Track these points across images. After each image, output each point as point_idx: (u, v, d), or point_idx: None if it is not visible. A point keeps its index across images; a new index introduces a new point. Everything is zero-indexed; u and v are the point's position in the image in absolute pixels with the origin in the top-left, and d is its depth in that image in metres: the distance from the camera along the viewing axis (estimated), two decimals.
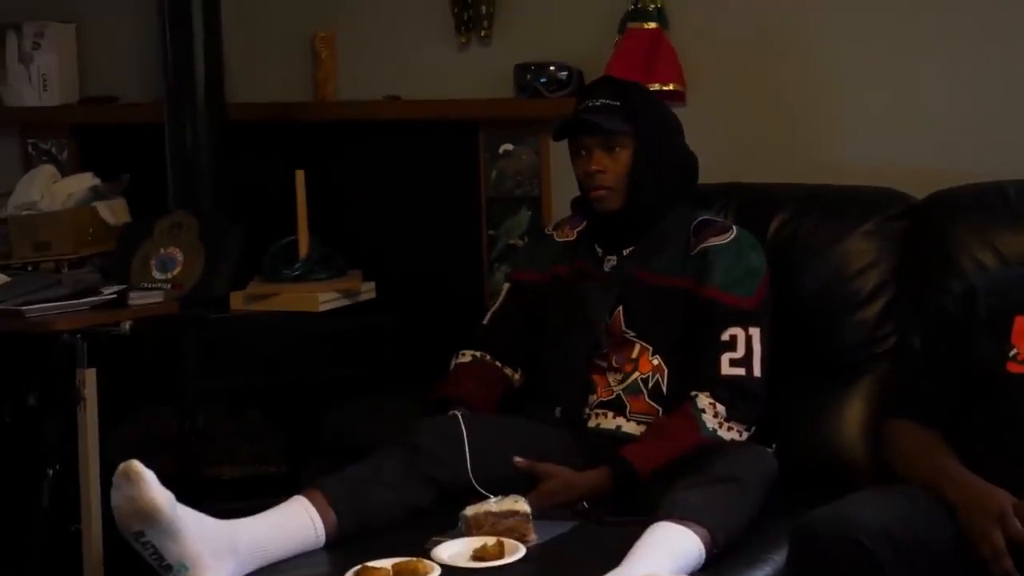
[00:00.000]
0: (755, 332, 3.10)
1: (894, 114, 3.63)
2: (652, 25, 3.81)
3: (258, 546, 2.74)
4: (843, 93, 3.69)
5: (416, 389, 3.45)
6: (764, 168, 3.65)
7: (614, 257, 3.25)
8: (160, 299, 3.88)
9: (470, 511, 2.80)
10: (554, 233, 3.42)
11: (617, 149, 3.18)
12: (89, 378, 3.63)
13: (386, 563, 2.62)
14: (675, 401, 3.09)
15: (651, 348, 3.16)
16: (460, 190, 4.13)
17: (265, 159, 4.27)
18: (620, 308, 3.18)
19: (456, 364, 3.36)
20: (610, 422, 3.15)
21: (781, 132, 3.76)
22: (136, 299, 3.83)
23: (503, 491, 2.86)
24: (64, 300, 3.73)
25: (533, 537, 2.78)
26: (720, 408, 3.03)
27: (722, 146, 3.63)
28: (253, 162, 4.23)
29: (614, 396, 3.16)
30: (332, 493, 2.85)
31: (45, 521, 3.76)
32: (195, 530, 2.63)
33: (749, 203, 3.43)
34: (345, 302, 3.94)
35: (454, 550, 2.70)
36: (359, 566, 2.61)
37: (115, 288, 3.84)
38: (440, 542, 2.74)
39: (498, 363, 3.34)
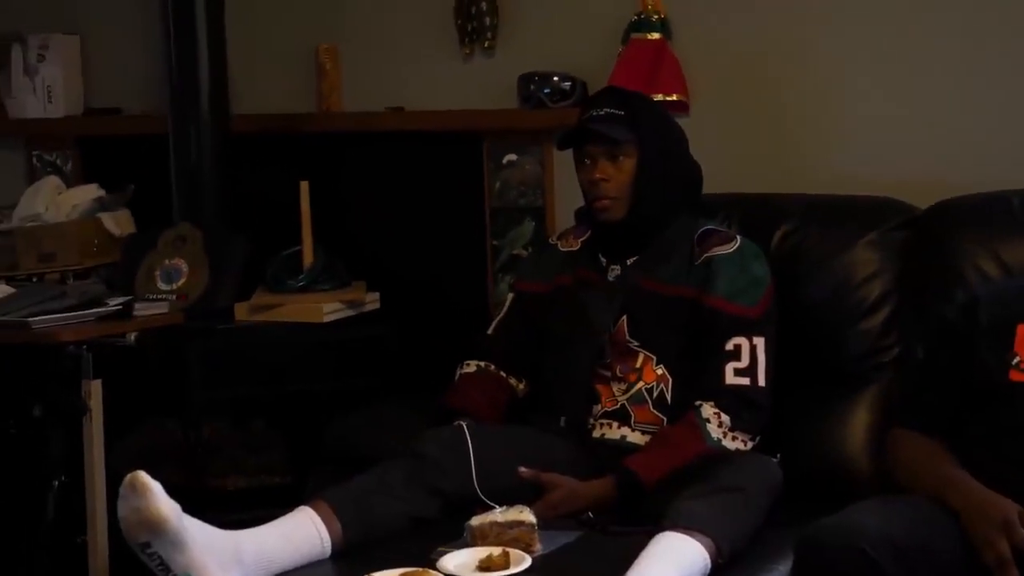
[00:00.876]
0: (759, 342, 3.11)
1: (896, 124, 3.64)
2: (656, 36, 3.81)
3: (264, 557, 2.74)
4: (845, 103, 3.69)
5: (420, 399, 3.45)
6: (767, 178, 3.66)
7: (618, 267, 3.25)
8: (165, 310, 3.89)
9: (475, 521, 2.80)
10: (558, 243, 3.42)
11: (621, 158, 3.18)
12: (94, 389, 3.64)
13: (392, 573, 2.62)
14: (680, 411, 3.10)
15: (655, 358, 3.16)
16: (464, 201, 4.13)
17: (269, 170, 4.28)
18: (624, 317, 3.19)
19: (461, 374, 3.36)
20: (615, 432, 3.15)
21: (784, 142, 3.76)
22: (141, 310, 3.85)
23: (508, 501, 2.85)
24: (69, 311, 3.73)
25: (538, 547, 2.78)
26: (724, 418, 3.03)
27: (725, 156, 3.63)
28: (257, 173, 4.24)
29: (618, 406, 3.16)
30: (337, 503, 2.85)
31: (51, 532, 3.77)
32: (201, 541, 2.63)
33: (752, 213, 3.43)
34: (349, 312, 3.95)
35: (460, 560, 2.70)
36: None
37: (120, 299, 3.84)
38: (446, 552, 2.74)
39: (503, 373, 3.35)
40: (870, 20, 3.65)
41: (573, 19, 3.99)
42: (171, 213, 4.12)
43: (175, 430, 3.89)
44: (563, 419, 3.19)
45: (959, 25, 3.57)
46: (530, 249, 3.96)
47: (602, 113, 3.21)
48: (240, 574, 2.67)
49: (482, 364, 3.36)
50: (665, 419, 3.12)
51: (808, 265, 3.32)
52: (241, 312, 3.91)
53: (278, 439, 4.04)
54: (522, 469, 3.03)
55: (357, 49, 4.30)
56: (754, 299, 3.14)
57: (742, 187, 3.55)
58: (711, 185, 3.36)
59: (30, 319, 3.66)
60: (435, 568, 2.66)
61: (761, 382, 3.08)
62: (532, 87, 3.97)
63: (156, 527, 2.58)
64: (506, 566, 2.66)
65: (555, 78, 3.95)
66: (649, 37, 3.82)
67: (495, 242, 4.11)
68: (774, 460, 3.00)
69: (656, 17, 3.82)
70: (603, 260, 3.28)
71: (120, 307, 3.81)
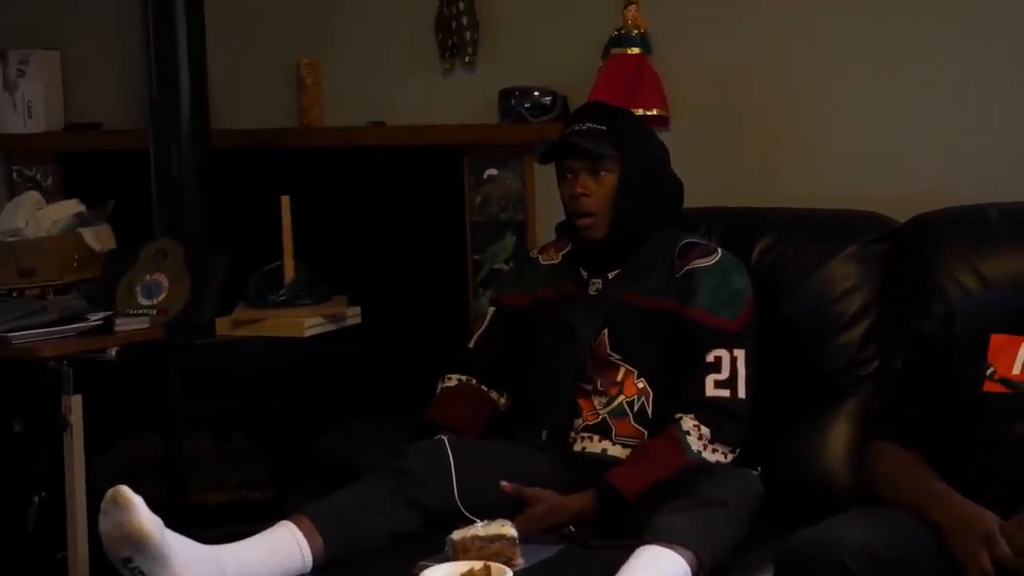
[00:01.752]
0: (740, 354, 3.11)
1: (876, 138, 3.65)
2: (635, 51, 3.82)
3: (245, 572, 2.73)
4: (825, 118, 3.70)
5: (402, 413, 3.45)
6: (747, 193, 3.66)
7: (599, 280, 3.26)
8: (146, 325, 3.88)
9: (457, 535, 2.80)
10: (539, 256, 3.43)
11: (603, 173, 3.19)
12: (75, 405, 3.63)
13: None
14: (661, 424, 3.10)
15: (636, 371, 3.17)
16: (445, 215, 4.14)
17: (250, 185, 4.28)
18: (605, 331, 3.19)
19: (442, 388, 3.36)
20: (596, 445, 3.15)
21: (764, 157, 3.77)
22: (122, 325, 3.84)
23: (490, 515, 2.85)
24: (50, 327, 3.73)
25: (520, 561, 2.78)
26: (705, 430, 3.04)
27: (705, 171, 3.64)
28: (238, 188, 4.24)
29: (599, 419, 3.17)
30: (318, 518, 2.85)
31: (31, 548, 3.76)
32: (183, 556, 2.63)
33: (733, 227, 3.44)
34: (331, 327, 3.95)
35: (441, 574, 2.70)
36: None
37: (101, 314, 3.84)
38: (427, 566, 2.73)
39: (484, 387, 3.35)
40: (850, 36, 3.67)
41: (553, 34, 4.00)
42: (152, 228, 4.11)
43: (156, 445, 3.89)
44: (544, 433, 3.19)
45: (938, 41, 3.58)
46: (511, 263, 3.97)
47: (584, 128, 3.21)
48: None
49: (463, 378, 3.36)
50: (646, 432, 3.12)
51: (788, 278, 3.33)
52: (222, 327, 3.91)
53: (259, 454, 4.04)
54: (504, 483, 3.04)
55: (338, 64, 4.31)
56: (735, 312, 3.15)
57: (722, 201, 3.56)
58: (691, 199, 3.37)
59: (10, 334, 3.66)
60: None
61: (741, 394, 3.09)
62: (512, 102, 3.98)
63: (138, 542, 2.58)
64: None
65: (535, 93, 3.96)
66: (629, 52, 3.83)
67: (476, 256, 4.11)
68: (755, 473, 3.01)
69: (636, 32, 3.83)
70: (584, 274, 3.28)
71: (101, 322, 3.81)
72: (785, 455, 3.20)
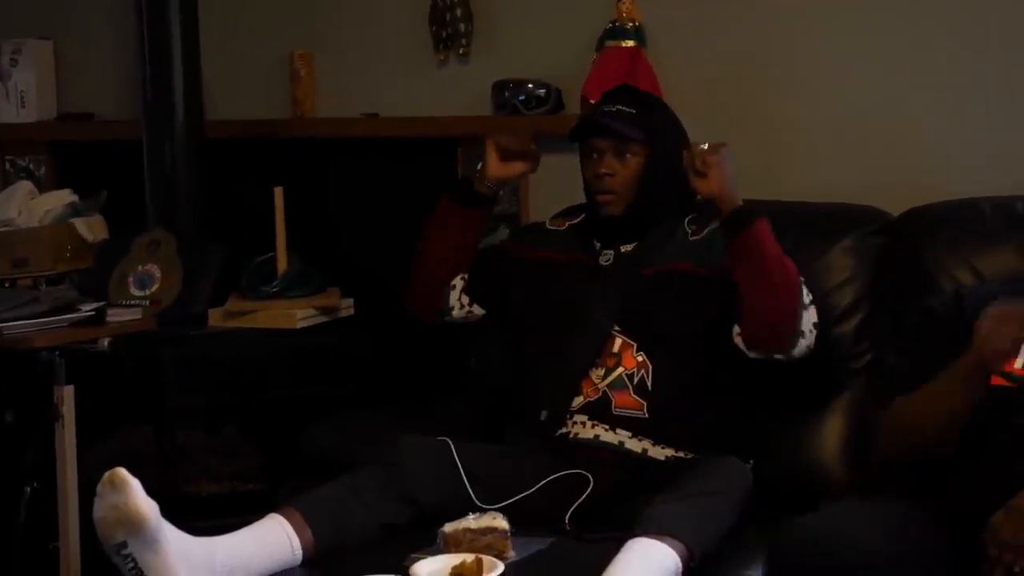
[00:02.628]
0: None
1: (870, 131, 3.65)
2: (630, 43, 3.82)
3: (235, 564, 2.73)
4: (820, 112, 3.71)
5: (395, 405, 3.44)
6: (742, 185, 3.62)
7: (611, 251, 3.26)
8: (138, 316, 3.88)
9: (448, 528, 2.80)
10: (546, 221, 3.46)
11: (628, 156, 3.21)
12: (67, 395, 3.62)
13: None
14: (661, 398, 3.10)
15: (636, 344, 3.16)
16: None
17: (243, 176, 4.27)
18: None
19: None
20: (588, 431, 3.14)
21: (759, 150, 3.76)
22: (114, 316, 3.83)
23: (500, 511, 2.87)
24: (42, 317, 3.72)
25: (511, 554, 2.78)
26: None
27: None
28: (231, 179, 4.24)
29: (600, 395, 3.15)
30: (308, 511, 2.85)
31: (23, 539, 3.75)
32: (176, 545, 2.63)
33: None
34: (323, 319, 3.94)
35: (433, 567, 2.70)
36: None
37: (93, 305, 3.83)
38: (419, 559, 2.73)
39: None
40: (845, 29, 3.67)
41: (548, 26, 4.00)
42: (145, 219, 4.11)
43: (148, 436, 3.88)
44: (544, 413, 3.17)
45: (934, 36, 3.59)
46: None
47: (614, 109, 3.24)
48: None
49: None
50: (646, 404, 3.11)
51: None
52: (215, 318, 3.89)
53: (251, 445, 4.03)
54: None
55: (332, 55, 4.30)
56: None
57: None
58: None
59: (2, 324, 3.64)
60: (408, 574, 2.66)
61: None
62: (507, 94, 3.98)
63: (134, 524, 2.57)
64: (479, 573, 2.66)
65: (529, 85, 3.96)
66: (624, 45, 3.82)
67: None
68: (746, 466, 3.00)
69: (631, 25, 3.83)
70: (597, 244, 3.28)
71: (93, 313, 3.80)
72: (778, 448, 3.21)
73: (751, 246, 3.04)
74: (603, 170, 3.22)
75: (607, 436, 3.12)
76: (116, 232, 4.23)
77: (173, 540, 2.63)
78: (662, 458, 3.10)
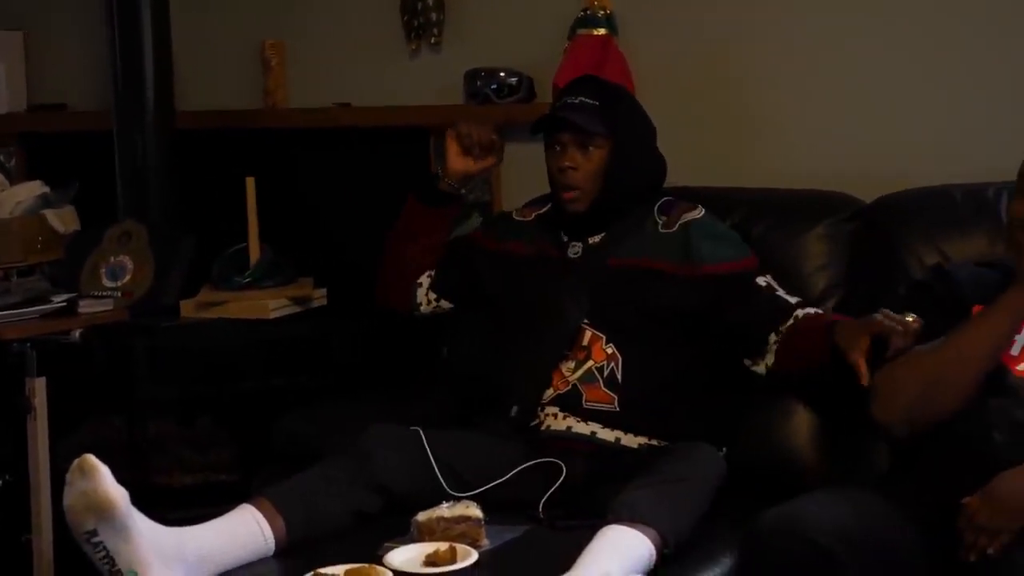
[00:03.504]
0: (770, 277, 3.18)
1: (842, 119, 3.66)
2: (601, 31, 3.81)
3: (207, 554, 2.72)
4: (792, 98, 3.71)
5: (368, 395, 3.43)
6: (714, 173, 3.67)
7: (579, 244, 3.26)
8: (110, 307, 3.86)
9: (422, 516, 2.79)
10: (512, 212, 3.45)
11: (591, 148, 3.20)
12: (39, 387, 3.61)
13: (338, 569, 2.61)
14: (631, 391, 3.10)
15: (605, 337, 3.16)
16: None
17: (215, 167, 4.26)
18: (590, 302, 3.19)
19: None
20: (560, 423, 3.14)
21: (731, 137, 3.78)
22: (86, 307, 3.82)
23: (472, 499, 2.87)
24: (13, 309, 3.71)
25: (485, 542, 2.78)
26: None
27: (672, 151, 3.61)
28: (203, 170, 4.22)
29: (570, 387, 3.15)
30: (279, 500, 2.84)
31: None
32: (147, 535, 2.61)
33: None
34: (296, 309, 3.93)
35: (406, 556, 2.69)
36: (311, 573, 2.60)
37: (65, 296, 3.82)
38: (392, 548, 2.73)
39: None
40: (817, 17, 3.67)
41: (519, 15, 4.00)
42: (116, 210, 4.09)
43: (121, 428, 3.86)
44: (515, 408, 3.18)
45: (906, 23, 3.59)
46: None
47: (577, 101, 3.22)
48: (183, 571, 2.65)
49: None
50: (617, 397, 3.11)
51: (757, 257, 3.33)
52: (187, 309, 3.88)
53: (224, 436, 4.01)
54: None
55: (303, 45, 4.29)
56: (746, 249, 3.22)
57: (690, 181, 3.54)
58: None
59: None
60: (382, 563, 2.65)
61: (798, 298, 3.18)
62: (479, 83, 3.97)
63: (104, 510, 2.56)
64: (452, 561, 2.66)
65: (501, 74, 3.96)
66: (595, 33, 3.82)
67: None
68: (719, 453, 3.01)
69: (602, 13, 3.82)
70: (564, 237, 3.28)
71: (64, 304, 3.79)
72: (751, 436, 3.21)
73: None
74: (566, 163, 3.20)
75: (579, 427, 3.13)
76: (88, 223, 4.21)
77: (144, 528, 2.62)
78: (635, 446, 3.10)
